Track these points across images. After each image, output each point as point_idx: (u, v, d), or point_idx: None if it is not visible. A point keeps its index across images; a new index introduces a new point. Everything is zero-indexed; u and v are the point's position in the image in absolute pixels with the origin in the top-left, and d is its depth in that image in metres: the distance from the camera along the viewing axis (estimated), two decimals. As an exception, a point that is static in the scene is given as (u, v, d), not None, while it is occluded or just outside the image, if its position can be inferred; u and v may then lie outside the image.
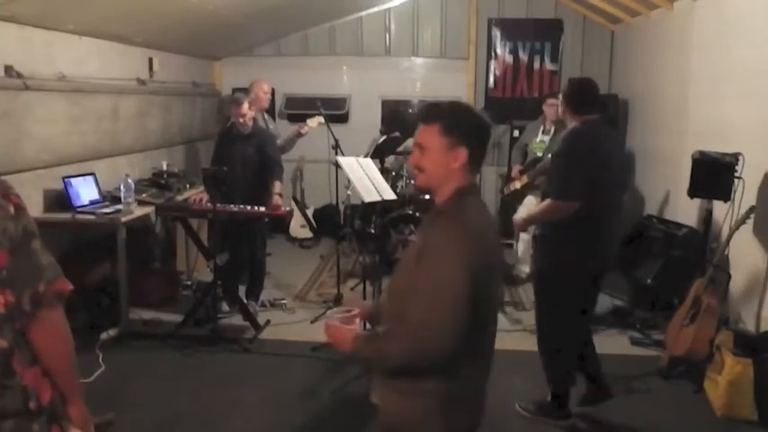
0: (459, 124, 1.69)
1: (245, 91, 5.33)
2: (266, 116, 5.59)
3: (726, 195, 3.84)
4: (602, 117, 3.33)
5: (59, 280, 1.48)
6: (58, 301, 1.48)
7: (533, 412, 3.45)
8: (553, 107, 5.57)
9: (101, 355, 3.99)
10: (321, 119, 5.55)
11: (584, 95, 3.24)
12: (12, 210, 1.42)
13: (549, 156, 5.42)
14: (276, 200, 4.64)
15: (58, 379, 1.53)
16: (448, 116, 1.70)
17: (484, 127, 1.74)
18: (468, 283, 1.55)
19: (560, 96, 3.32)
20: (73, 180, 4.42)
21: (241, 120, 4.69)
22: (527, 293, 5.32)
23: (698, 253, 4.15)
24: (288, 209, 4.89)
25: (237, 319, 4.65)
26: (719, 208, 4.03)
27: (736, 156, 3.81)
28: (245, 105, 4.69)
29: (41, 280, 1.44)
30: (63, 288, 1.48)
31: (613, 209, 3.30)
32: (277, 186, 4.71)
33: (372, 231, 5.32)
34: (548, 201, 3.16)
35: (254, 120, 4.86)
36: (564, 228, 3.13)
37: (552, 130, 5.61)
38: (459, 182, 1.71)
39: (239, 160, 4.71)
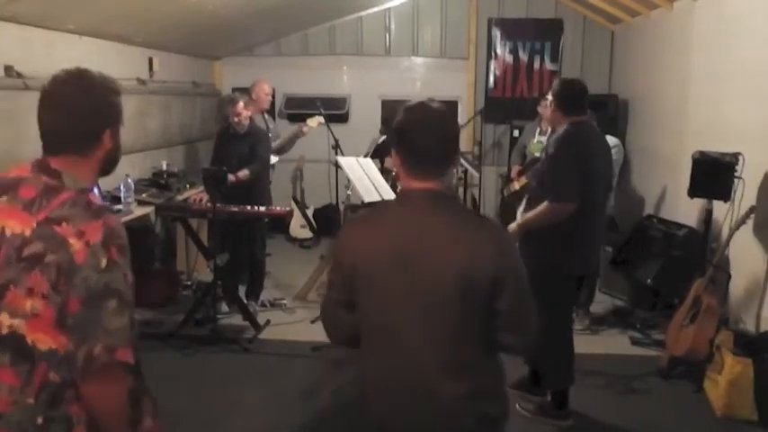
0: (391, 127, 1.74)
1: (246, 91, 5.33)
2: (266, 116, 5.59)
3: (726, 195, 3.84)
4: (590, 118, 3.34)
5: (120, 349, 1.41)
6: (112, 370, 1.40)
7: (533, 412, 3.45)
8: (547, 108, 5.56)
9: (101, 355, 3.99)
10: (321, 119, 5.55)
11: (574, 97, 3.24)
12: (103, 263, 1.41)
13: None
14: (230, 177, 4.54)
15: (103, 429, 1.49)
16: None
17: (399, 129, 1.68)
18: (337, 278, 1.71)
19: (549, 96, 3.31)
20: (73, 180, 4.42)
21: (236, 119, 4.70)
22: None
23: (698, 253, 4.15)
24: (288, 209, 4.89)
25: (237, 319, 4.65)
26: (719, 208, 4.03)
27: (736, 156, 3.81)
28: (241, 104, 4.69)
29: (99, 342, 1.38)
30: (122, 358, 1.41)
31: (599, 209, 3.32)
32: (241, 174, 4.65)
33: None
34: (545, 204, 3.14)
35: (251, 119, 4.86)
36: (549, 228, 3.13)
37: (549, 130, 5.60)
38: (401, 185, 1.74)
39: (236, 160, 4.71)
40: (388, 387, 1.65)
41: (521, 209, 5.75)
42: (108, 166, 1.59)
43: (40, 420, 1.39)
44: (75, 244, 1.39)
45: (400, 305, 1.61)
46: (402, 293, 1.60)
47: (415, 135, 1.64)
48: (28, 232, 1.40)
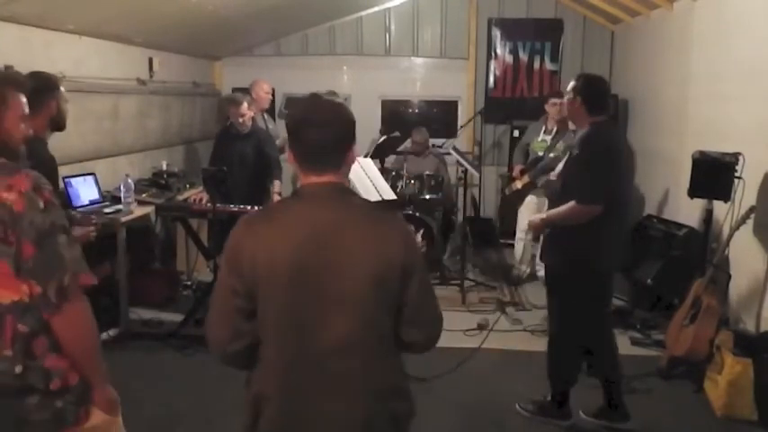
0: None
1: (246, 91, 5.33)
2: (266, 116, 5.59)
3: (726, 195, 3.84)
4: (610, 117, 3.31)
5: (83, 274, 1.58)
6: (81, 294, 1.57)
7: (533, 412, 3.45)
8: (555, 107, 5.56)
9: (101, 355, 3.99)
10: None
11: (600, 95, 3.20)
12: (41, 204, 1.52)
13: (551, 155, 5.44)
14: (276, 199, 4.65)
15: (81, 366, 1.62)
16: None
17: (290, 124, 1.64)
18: (231, 282, 1.57)
19: (569, 92, 3.20)
20: (73, 180, 4.42)
21: (241, 120, 4.70)
22: (527, 293, 5.31)
23: (698, 253, 4.15)
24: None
25: (237, 319, 4.64)
26: (720, 208, 4.03)
27: (736, 156, 3.81)
28: (245, 105, 4.69)
29: (66, 273, 1.52)
30: (86, 282, 1.59)
31: (627, 208, 3.29)
32: (277, 185, 4.74)
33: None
34: (572, 203, 3.08)
35: (253, 119, 4.87)
36: (579, 227, 3.09)
37: (554, 129, 5.60)
38: (300, 182, 1.64)
39: (237, 160, 4.72)
40: (297, 393, 1.57)
41: (521, 208, 5.79)
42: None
43: (18, 370, 1.51)
44: (9, 196, 1.49)
45: (311, 306, 1.54)
46: (312, 293, 1.54)
47: (305, 128, 1.61)
48: None
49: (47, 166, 2.21)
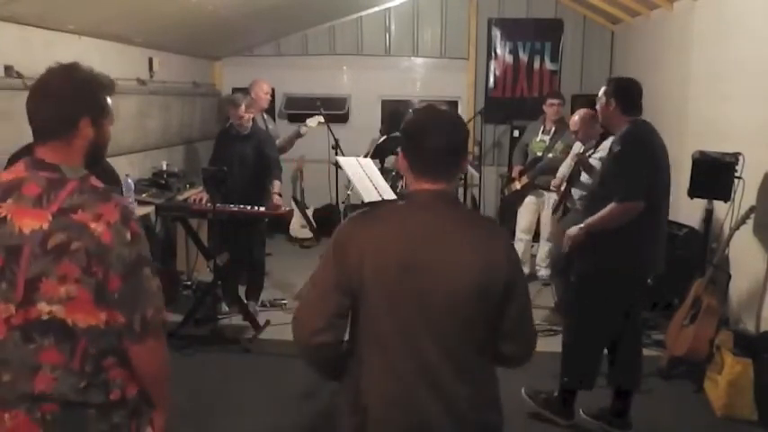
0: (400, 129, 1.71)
1: (245, 91, 5.33)
2: (266, 116, 5.59)
3: (726, 195, 3.84)
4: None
5: (163, 309, 1.60)
6: (161, 328, 1.59)
7: (538, 404, 3.42)
8: (553, 107, 5.57)
9: (101, 355, 3.99)
10: (321, 118, 5.56)
11: (635, 95, 3.18)
12: (128, 236, 1.51)
13: (550, 156, 5.45)
14: (276, 199, 4.64)
15: (149, 391, 1.68)
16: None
17: (409, 132, 1.67)
18: (335, 276, 1.58)
19: (601, 98, 3.18)
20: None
21: (239, 121, 4.70)
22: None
23: (698, 253, 4.15)
24: (288, 209, 4.89)
25: (237, 319, 4.65)
26: (720, 208, 4.03)
27: (736, 156, 3.81)
28: (243, 108, 4.69)
29: (151, 305, 1.55)
30: (165, 317, 1.61)
31: (663, 211, 3.26)
32: (276, 186, 4.73)
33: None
34: (612, 204, 3.03)
35: (253, 120, 4.86)
36: (615, 229, 3.03)
37: (553, 130, 5.62)
38: (410, 187, 1.69)
39: (237, 160, 4.72)
40: (401, 399, 1.59)
41: (520, 208, 5.79)
42: (90, 159, 1.60)
43: (83, 384, 1.52)
44: (97, 227, 1.47)
45: (414, 309, 1.56)
46: (416, 297, 1.55)
47: (425, 137, 1.63)
48: (46, 225, 1.47)
49: (110, 174, 2.18)
